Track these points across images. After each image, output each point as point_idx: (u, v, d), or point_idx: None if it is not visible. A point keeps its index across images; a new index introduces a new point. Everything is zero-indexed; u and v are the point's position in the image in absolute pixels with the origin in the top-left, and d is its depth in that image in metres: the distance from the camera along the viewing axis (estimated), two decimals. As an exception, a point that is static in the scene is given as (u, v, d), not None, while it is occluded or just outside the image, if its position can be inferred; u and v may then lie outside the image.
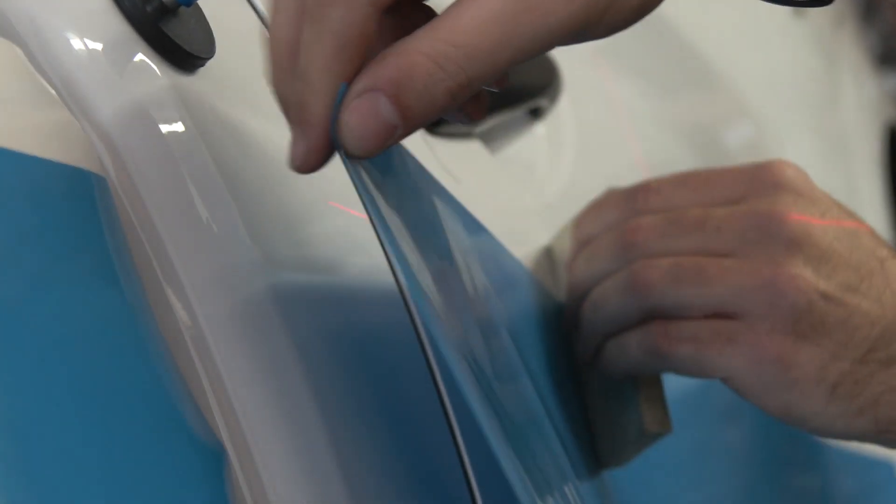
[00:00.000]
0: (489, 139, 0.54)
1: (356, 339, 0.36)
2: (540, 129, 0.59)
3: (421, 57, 0.25)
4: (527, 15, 0.25)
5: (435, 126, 0.50)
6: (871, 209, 1.05)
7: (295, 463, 0.31)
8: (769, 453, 0.70)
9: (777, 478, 0.72)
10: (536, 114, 0.59)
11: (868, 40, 1.43)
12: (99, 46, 0.31)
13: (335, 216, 0.39)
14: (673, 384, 0.50)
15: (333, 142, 0.25)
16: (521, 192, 0.55)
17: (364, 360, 0.36)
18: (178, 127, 0.31)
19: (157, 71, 0.32)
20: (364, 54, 0.25)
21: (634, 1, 0.28)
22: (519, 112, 0.56)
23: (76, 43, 0.31)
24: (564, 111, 0.61)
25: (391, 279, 0.36)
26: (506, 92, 0.57)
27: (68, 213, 0.27)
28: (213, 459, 0.29)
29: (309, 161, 0.26)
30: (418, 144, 0.47)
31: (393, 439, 0.35)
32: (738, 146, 0.84)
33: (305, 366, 0.32)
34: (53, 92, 0.28)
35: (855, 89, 1.10)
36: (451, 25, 0.25)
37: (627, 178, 0.66)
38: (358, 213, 0.38)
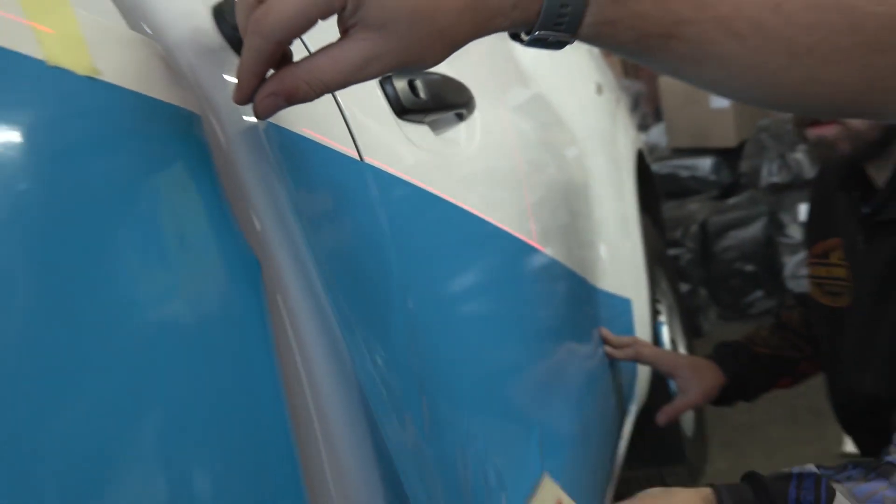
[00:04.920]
0: (434, 127, 0.70)
1: None
2: (462, 125, 0.77)
3: (302, 83, 0.36)
4: (371, 65, 0.35)
5: (402, 114, 0.64)
6: (629, 195, 1.49)
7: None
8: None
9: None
10: (460, 116, 0.77)
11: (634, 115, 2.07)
12: (207, 58, 0.42)
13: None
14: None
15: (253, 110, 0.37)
16: (451, 159, 0.71)
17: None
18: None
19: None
20: (276, 61, 0.36)
21: (439, 50, 0.37)
22: (450, 114, 0.74)
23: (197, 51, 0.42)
24: (476, 118, 0.80)
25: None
26: (442, 102, 0.73)
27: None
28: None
29: (239, 101, 0.37)
30: (392, 127, 0.61)
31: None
32: (571, 157, 1.18)
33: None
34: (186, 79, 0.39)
35: (624, 132, 1.61)
36: (321, 64, 0.35)
37: (510, 158, 0.86)
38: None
